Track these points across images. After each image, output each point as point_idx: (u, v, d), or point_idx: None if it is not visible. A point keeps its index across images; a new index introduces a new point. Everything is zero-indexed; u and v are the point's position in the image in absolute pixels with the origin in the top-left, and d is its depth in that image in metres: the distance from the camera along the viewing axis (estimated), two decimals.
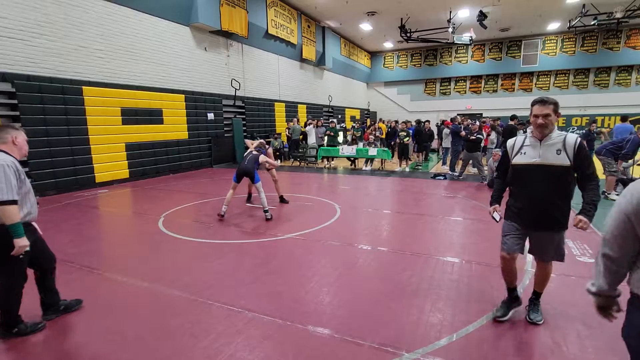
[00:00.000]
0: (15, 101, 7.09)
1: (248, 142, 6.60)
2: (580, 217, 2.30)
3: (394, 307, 2.91)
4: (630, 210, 1.25)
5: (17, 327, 2.60)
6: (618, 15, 14.90)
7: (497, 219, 2.70)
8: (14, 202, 2.37)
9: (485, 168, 8.67)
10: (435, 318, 2.74)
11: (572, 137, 2.35)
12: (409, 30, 16.94)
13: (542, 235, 2.53)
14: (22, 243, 2.41)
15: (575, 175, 2.41)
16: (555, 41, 21.51)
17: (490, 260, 3.85)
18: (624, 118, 9.20)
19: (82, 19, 8.20)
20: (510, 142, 2.59)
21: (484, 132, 9.02)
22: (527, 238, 2.60)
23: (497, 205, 2.75)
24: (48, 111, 7.60)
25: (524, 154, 2.46)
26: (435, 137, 14.78)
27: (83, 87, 8.23)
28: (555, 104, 2.36)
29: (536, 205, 2.44)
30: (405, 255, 4.08)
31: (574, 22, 16.07)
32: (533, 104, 2.39)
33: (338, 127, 14.92)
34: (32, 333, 2.63)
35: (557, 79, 22.15)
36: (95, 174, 8.60)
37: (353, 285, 3.35)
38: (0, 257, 2.45)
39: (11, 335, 2.58)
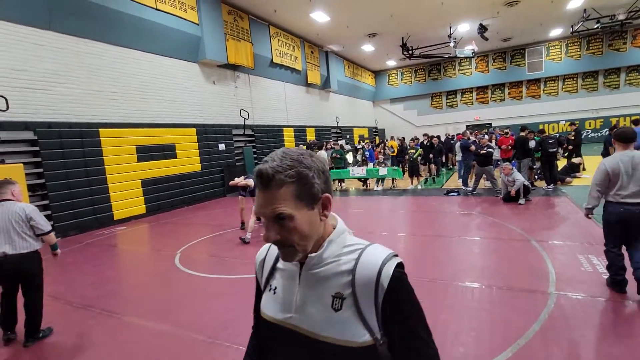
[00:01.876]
0: (37, 148, 7.45)
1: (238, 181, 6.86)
2: None
3: None
4: (608, 171, 3.25)
5: (41, 332, 3.36)
6: (621, 17, 14.84)
7: None
8: (52, 230, 3.56)
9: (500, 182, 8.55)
10: (457, 352, 2.66)
11: (375, 260, 0.80)
12: (410, 48, 17.21)
13: None
14: (59, 251, 3.62)
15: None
16: (559, 47, 21.44)
17: (511, 283, 3.74)
18: (635, 122, 9.04)
19: (97, 64, 8.65)
20: (260, 253, 1.04)
21: (494, 145, 8.93)
22: None
23: None
24: (67, 155, 7.93)
25: (273, 291, 0.93)
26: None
27: (100, 129, 8.59)
28: (300, 179, 0.78)
29: None
30: (422, 282, 4.00)
31: (576, 27, 16.06)
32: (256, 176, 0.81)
33: (348, 147, 15.09)
34: (49, 334, 3.43)
35: (565, 83, 21.93)
36: (114, 212, 8.83)
37: None
38: (39, 273, 3.38)
39: (39, 339, 3.32)
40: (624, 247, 3.34)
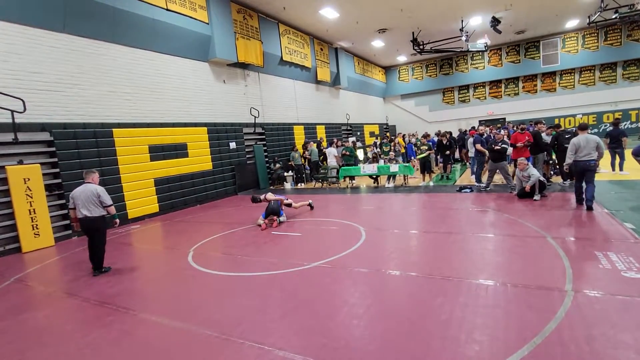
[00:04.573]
0: (53, 149, 7.62)
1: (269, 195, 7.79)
2: None
3: (427, 339, 2.81)
4: (575, 144, 6.35)
5: (104, 268, 5.26)
6: None
7: None
8: (112, 204, 5.30)
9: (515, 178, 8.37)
10: (472, 350, 2.62)
11: None
12: (421, 43, 16.98)
13: None
14: (118, 220, 5.53)
15: None
16: (575, 38, 20.86)
17: (527, 281, 3.67)
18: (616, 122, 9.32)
19: (110, 66, 8.79)
20: None
21: (508, 141, 8.72)
22: None
23: None
24: (83, 155, 8.10)
25: None
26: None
27: (113, 129, 8.74)
28: None
29: None
30: (436, 279, 3.96)
31: (593, 18, 15.54)
32: None
33: (359, 144, 14.99)
34: (109, 270, 5.31)
35: (582, 76, 21.33)
36: (128, 211, 8.99)
37: (383, 316, 3.27)
38: (104, 230, 5.25)
39: (102, 272, 5.21)
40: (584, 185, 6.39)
